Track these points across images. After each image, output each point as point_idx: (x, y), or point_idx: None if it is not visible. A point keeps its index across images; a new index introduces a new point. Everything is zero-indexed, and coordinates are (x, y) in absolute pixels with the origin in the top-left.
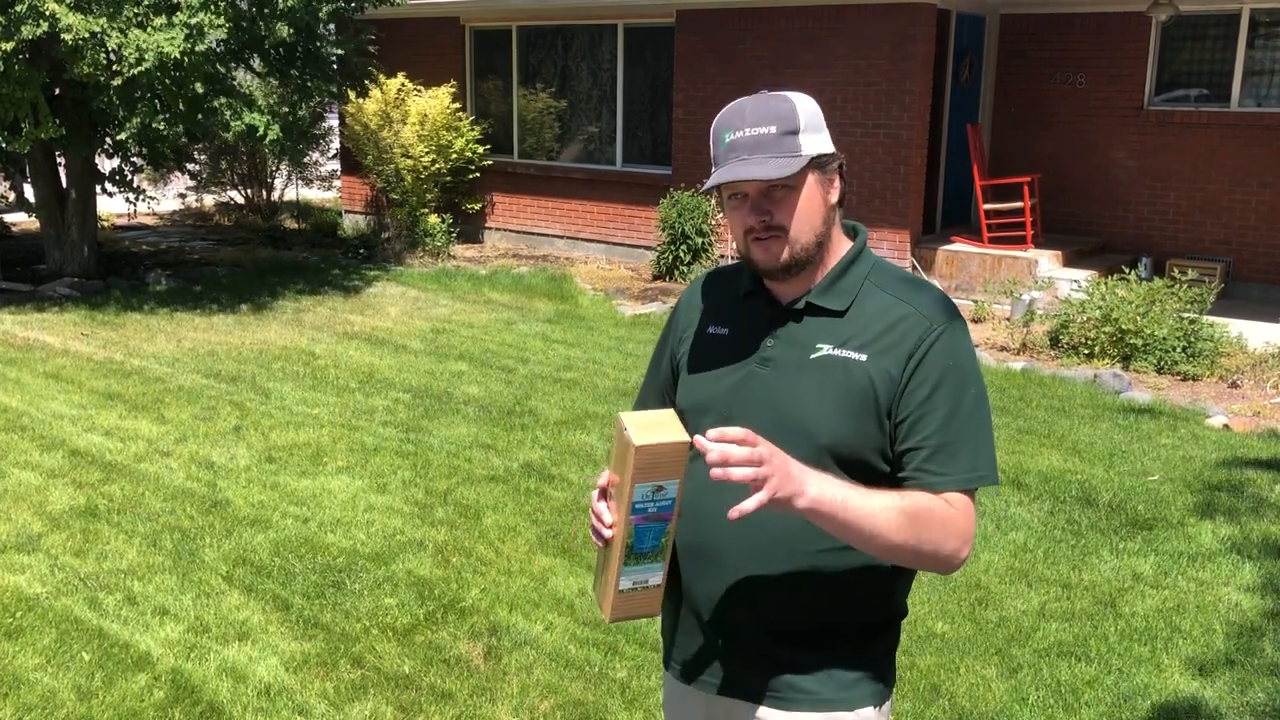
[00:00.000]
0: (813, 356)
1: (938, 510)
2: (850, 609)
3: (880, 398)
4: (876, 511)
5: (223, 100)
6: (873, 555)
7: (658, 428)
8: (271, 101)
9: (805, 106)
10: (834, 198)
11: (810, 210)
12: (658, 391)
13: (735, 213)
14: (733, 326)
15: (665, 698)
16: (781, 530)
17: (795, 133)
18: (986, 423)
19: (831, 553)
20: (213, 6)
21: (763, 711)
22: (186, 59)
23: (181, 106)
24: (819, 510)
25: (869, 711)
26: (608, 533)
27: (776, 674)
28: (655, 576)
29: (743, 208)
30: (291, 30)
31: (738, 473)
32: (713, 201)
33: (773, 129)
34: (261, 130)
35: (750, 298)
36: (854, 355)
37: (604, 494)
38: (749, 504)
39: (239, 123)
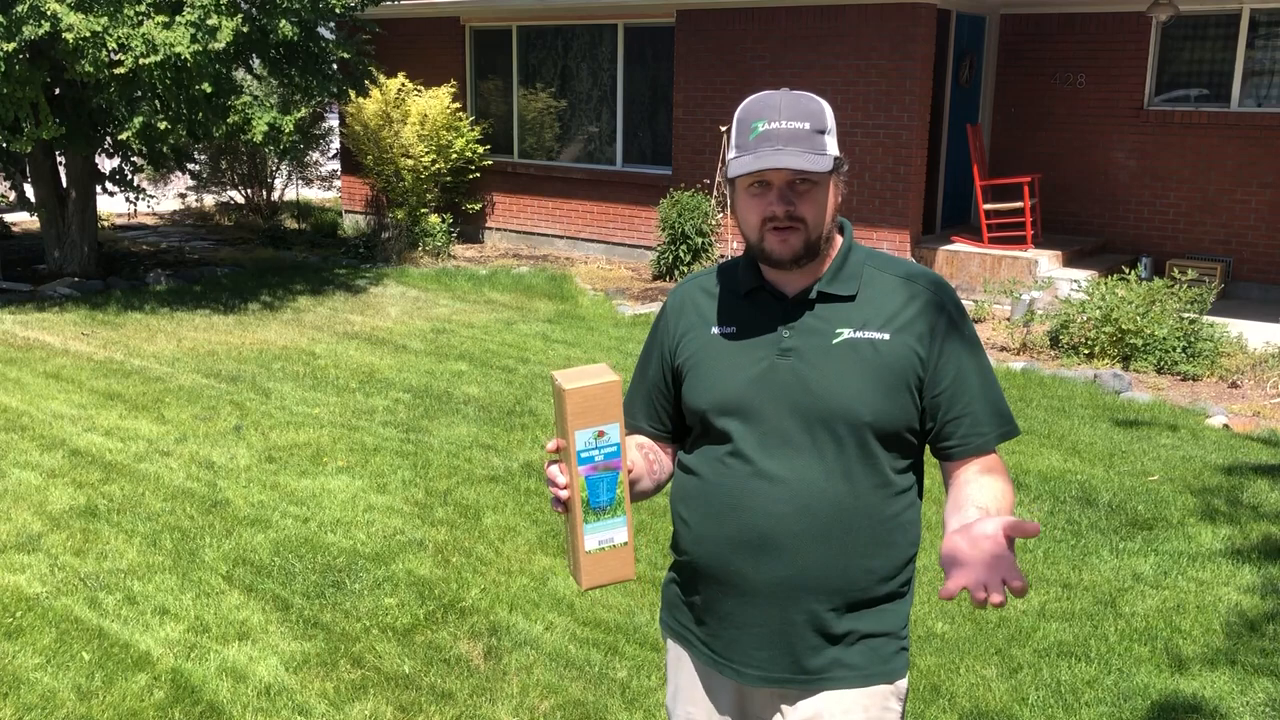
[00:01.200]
0: (835, 341)
1: (1006, 476)
2: (892, 576)
3: (911, 374)
4: (1005, 505)
5: (243, 99)
6: None
7: (587, 375)
8: (273, 101)
9: (829, 110)
10: (839, 198)
11: (829, 207)
12: (645, 397)
13: (755, 200)
14: (740, 324)
15: (683, 683)
16: (832, 508)
17: (823, 132)
18: (991, 370)
19: (878, 523)
20: (224, 7)
21: (811, 695)
22: (193, 60)
23: (183, 106)
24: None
25: (903, 683)
26: (564, 494)
27: (828, 655)
28: (620, 533)
29: (764, 196)
30: (295, 28)
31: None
32: (713, 201)
33: (806, 125)
34: (288, 130)
35: (754, 294)
36: (877, 335)
37: (557, 463)
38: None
39: (261, 124)
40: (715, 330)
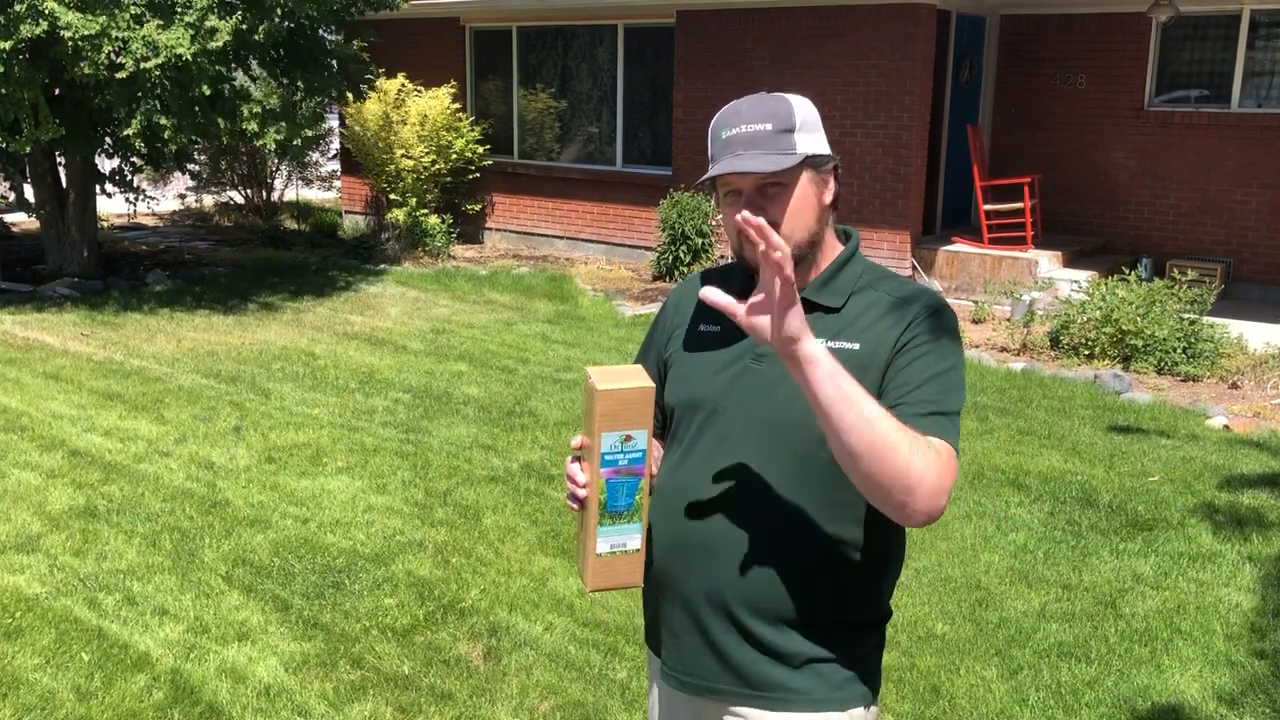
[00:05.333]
0: None
1: (922, 440)
2: (843, 604)
3: (874, 379)
4: (869, 400)
5: (254, 108)
6: (848, 453)
7: (622, 376)
8: (274, 102)
9: (801, 107)
10: (828, 198)
11: (803, 208)
12: None
13: (729, 209)
14: (724, 323)
15: (652, 700)
16: (777, 521)
17: (790, 131)
18: (960, 395)
19: (827, 545)
20: (218, 9)
21: (754, 714)
22: (193, 60)
23: (183, 106)
24: (817, 364)
25: (859, 711)
26: (582, 493)
27: (769, 674)
28: (633, 539)
29: (737, 204)
30: (288, 24)
31: (773, 251)
32: (712, 202)
33: (768, 126)
34: (299, 144)
35: (743, 296)
36: (848, 345)
37: (579, 460)
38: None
39: (272, 137)
40: (702, 328)
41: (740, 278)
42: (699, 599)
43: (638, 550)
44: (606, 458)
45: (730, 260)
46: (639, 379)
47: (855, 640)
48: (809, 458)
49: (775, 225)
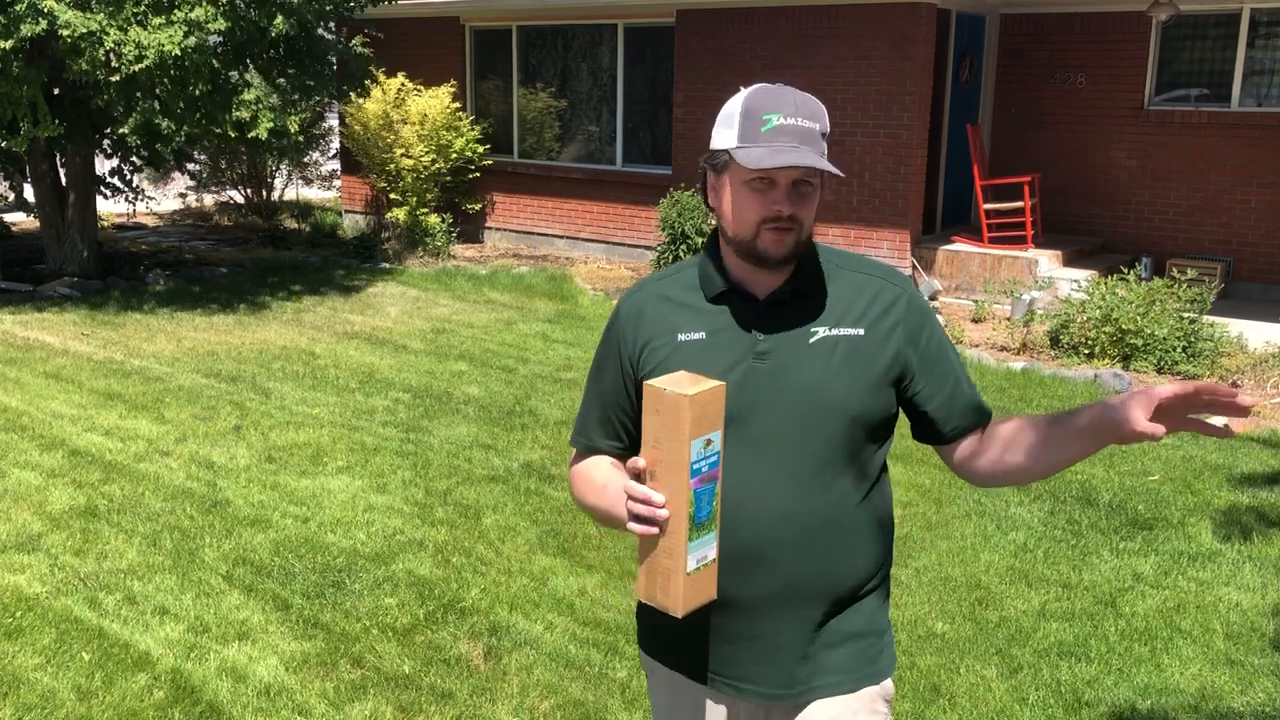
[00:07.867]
0: (812, 340)
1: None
2: (879, 568)
3: (889, 367)
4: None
5: (253, 94)
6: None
7: (692, 381)
8: (273, 101)
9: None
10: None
11: (816, 210)
12: (601, 412)
13: (756, 196)
14: (709, 329)
15: (671, 705)
16: (817, 512)
17: (825, 135)
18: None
19: (863, 518)
20: (209, 2)
21: (797, 707)
22: (186, 57)
23: (182, 106)
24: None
25: (889, 683)
26: (663, 513)
27: (814, 661)
28: (711, 550)
29: (767, 194)
30: (291, 23)
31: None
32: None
33: (816, 126)
34: (294, 131)
35: (723, 298)
36: (852, 331)
37: (638, 480)
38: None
39: (265, 124)
40: (683, 338)
41: (715, 277)
42: (763, 607)
43: (715, 560)
44: (694, 466)
45: (698, 256)
46: (708, 380)
47: (881, 599)
48: (833, 440)
49: (799, 222)
